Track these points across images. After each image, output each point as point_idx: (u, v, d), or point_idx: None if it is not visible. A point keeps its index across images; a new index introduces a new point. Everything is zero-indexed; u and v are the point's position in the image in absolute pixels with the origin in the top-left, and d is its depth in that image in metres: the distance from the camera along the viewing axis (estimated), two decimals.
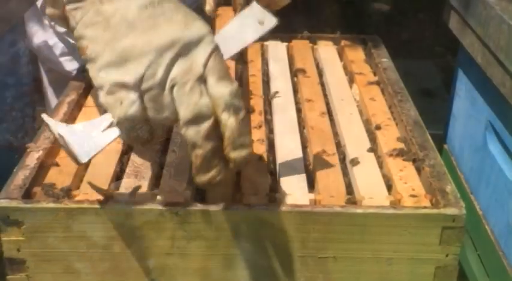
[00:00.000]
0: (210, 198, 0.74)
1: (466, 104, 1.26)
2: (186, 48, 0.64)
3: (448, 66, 3.05)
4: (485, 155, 1.13)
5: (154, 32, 0.64)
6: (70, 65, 1.36)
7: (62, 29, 1.32)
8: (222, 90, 0.64)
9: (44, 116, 0.69)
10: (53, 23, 1.35)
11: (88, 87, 1.00)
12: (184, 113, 0.64)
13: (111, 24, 0.64)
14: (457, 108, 1.31)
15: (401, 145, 0.88)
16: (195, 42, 0.64)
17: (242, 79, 1.08)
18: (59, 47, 1.36)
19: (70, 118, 0.90)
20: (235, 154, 0.65)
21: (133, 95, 0.64)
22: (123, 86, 0.64)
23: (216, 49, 0.66)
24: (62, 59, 1.36)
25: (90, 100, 0.97)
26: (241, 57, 1.16)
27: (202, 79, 0.64)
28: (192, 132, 0.65)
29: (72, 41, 1.32)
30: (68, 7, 0.66)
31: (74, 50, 1.33)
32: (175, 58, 0.64)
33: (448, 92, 1.46)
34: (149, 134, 0.66)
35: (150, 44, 0.63)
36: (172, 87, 0.64)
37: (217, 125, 0.65)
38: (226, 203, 0.72)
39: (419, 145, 0.86)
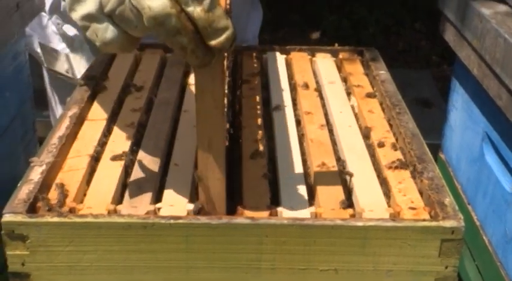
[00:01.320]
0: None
1: (463, 116, 1.27)
2: None
3: (444, 76, 3.08)
4: (482, 166, 1.14)
5: None
6: None
7: (70, 33, 1.34)
8: None
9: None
10: (59, 26, 1.37)
11: (90, 100, 1.01)
12: (145, 20, 0.64)
13: None
14: (453, 119, 1.33)
15: (400, 158, 0.89)
16: None
17: (241, 92, 1.09)
18: (63, 53, 1.38)
19: (72, 132, 0.91)
20: (214, 42, 0.65)
21: (103, 23, 0.66)
22: (90, 17, 0.66)
23: None
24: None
25: (92, 113, 0.98)
26: (239, 68, 1.18)
27: None
28: (163, 33, 0.64)
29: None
30: None
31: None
32: None
33: (444, 101, 1.47)
34: (138, 31, 0.66)
35: None
36: None
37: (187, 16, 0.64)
38: (220, 211, 0.73)
39: (418, 158, 0.87)
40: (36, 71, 1.49)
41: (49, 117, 1.64)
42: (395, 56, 3.44)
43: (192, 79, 1.10)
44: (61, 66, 0.76)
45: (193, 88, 0.96)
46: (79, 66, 0.75)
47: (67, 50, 1.38)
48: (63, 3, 1.37)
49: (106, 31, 0.66)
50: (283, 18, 3.62)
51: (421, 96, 2.70)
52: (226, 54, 0.81)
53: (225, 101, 0.74)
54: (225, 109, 0.74)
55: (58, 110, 1.50)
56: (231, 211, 0.78)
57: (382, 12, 3.55)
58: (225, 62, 0.78)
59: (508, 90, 0.98)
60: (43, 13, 1.36)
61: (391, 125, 0.99)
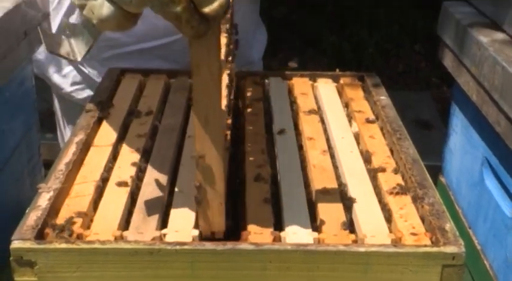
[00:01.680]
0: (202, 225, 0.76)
1: (462, 140, 1.29)
2: None
3: (444, 97, 3.10)
4: (482, 190, 1.16)
5: None
6: (81, 93, 1.43)
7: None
8: None
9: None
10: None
11: (96, 126, 1.03)
12: None
13: None
14: (453, 143, 1.35)
15: (401, 183, 0.90)
16: None
17: (244, 117, 1.11)
18: (71, 75, 1.42)
19: (78, 158, 0.92)
20: (207, 9, 0.66)
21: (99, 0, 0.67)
22: None
23: None
24: (73, 88, 1.43)
25: (98, 139, 0.99)
26: (241, 94, 1.19)
27: None
28: (157, 4, 0.65)
29: (85, 70, 1.38)
30: None
31: (87, 79, 1.39)
32: None
33: (444, 123, 1.48)
34: (133, 6, 0.67)
35: None
36: None
37: None
38: (219, 191, 0.75)
39: (419, 183, 0.89)
40: (41, 93, 1.51)
41: (53, 140, 1.66)
42: (395, 77, 3.47)
43: None
44: (62, 50, 0.81)
45: None
46: (79, 48, 0.80)
47: (73, 73, 1.41)
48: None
49: (102, 7, 0.68)
50: (282, 40, 3.66)
51: (421, 117, 2.72)
52: (225, 32, 0.81)
53: (222, 74, 0.73)
54: (221, 83, 0.73)
55: (67, 132, 1.53)
56: (235, 234, 0.79)
57: (383, 34, 3.59)
58: (223, 41, 0.77)
59: (507, 117, 1.00)
60: None
61: (392, 151, 1.00)
